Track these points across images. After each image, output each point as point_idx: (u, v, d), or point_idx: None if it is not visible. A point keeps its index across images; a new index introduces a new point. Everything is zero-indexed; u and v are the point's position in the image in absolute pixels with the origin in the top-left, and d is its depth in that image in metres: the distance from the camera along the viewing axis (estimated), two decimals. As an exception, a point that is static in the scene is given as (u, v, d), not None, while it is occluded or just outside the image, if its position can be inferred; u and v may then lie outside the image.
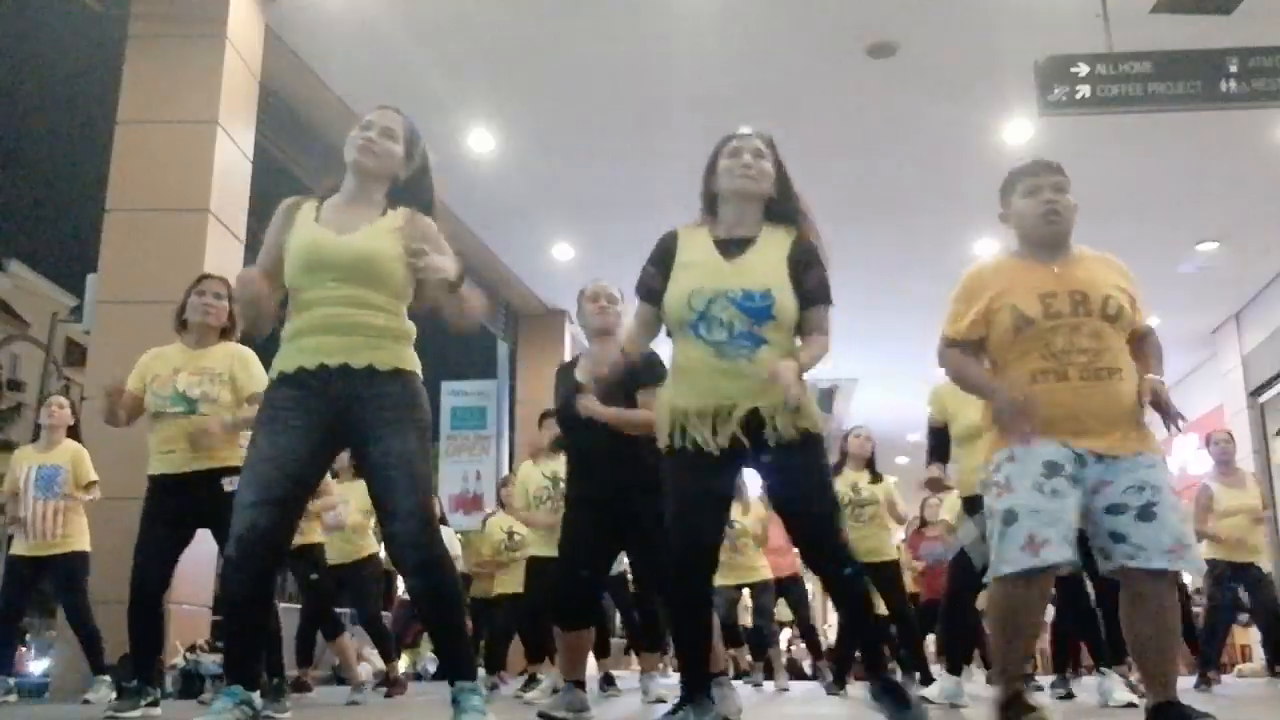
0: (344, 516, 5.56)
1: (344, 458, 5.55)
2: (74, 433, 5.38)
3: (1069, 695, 5.17)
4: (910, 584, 7.07)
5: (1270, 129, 8.03)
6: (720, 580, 7.16)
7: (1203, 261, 10.16)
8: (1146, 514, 2.48)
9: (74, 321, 19.86)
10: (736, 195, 2.74)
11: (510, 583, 6.41)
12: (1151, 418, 2.67)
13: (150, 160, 6.22)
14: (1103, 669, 4.50)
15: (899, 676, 4.24)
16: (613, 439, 3.33)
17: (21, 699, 6.06)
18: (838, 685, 6.10)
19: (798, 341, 2.73)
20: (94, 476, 5.23)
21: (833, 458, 6.71)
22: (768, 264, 2.68)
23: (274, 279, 2.70)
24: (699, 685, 2.66)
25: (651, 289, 2.78)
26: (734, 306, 2.60)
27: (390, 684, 5.94)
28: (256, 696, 2.54)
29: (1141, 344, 2.74)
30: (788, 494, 2.68)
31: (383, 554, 7.16)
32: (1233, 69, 5.96)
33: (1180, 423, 2.64)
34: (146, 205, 6.15)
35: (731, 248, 2.72)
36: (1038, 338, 2.60)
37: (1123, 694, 4.27)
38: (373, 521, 6.32)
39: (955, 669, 4.61)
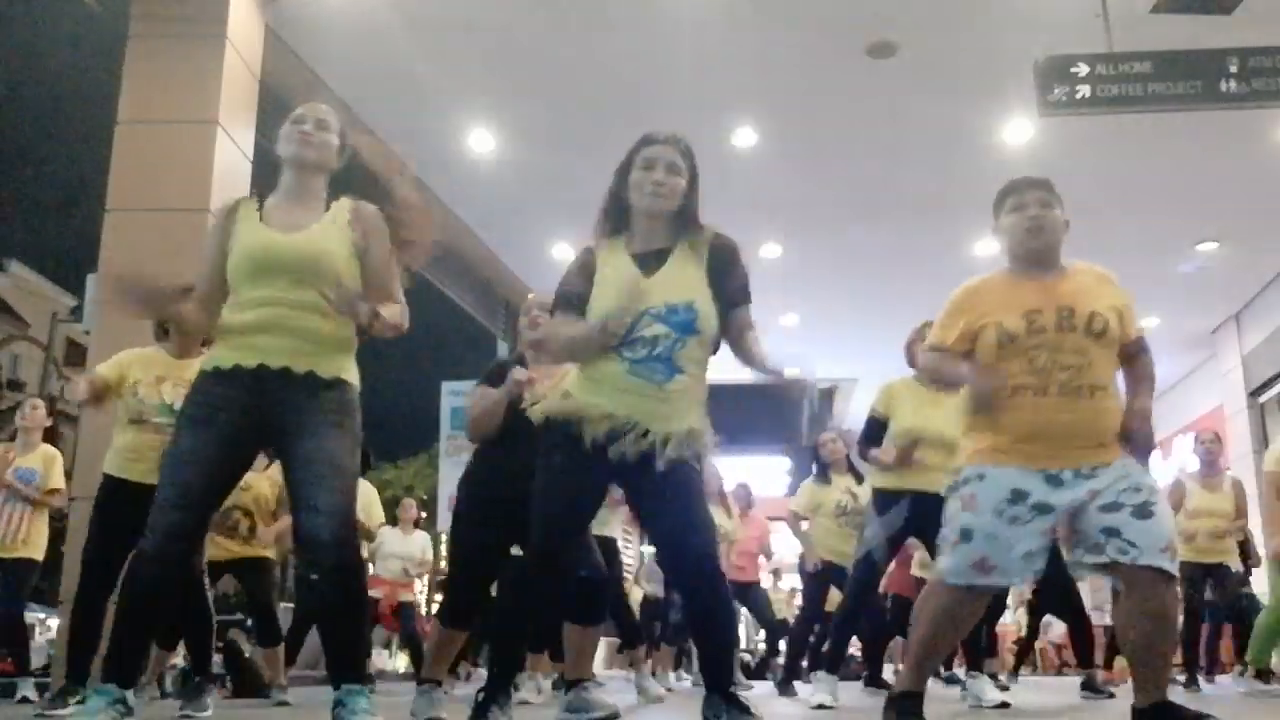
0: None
1: None
2: (50, 436, 5.39)
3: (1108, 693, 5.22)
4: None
5: (1270, 129, 8.03)
6: None
7: (1203, 261, 10.15)
8: (1144, 512, 2.51)
9: (74, 321, 19.86)
10: (647, 213, 2.69)
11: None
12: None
13: (150, 160, 6.21)
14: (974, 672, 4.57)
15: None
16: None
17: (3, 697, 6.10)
18: (786, 686, 6.15)
19: (705, 374, 2.68)
20: (60, 484, 5.25)
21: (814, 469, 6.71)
22: (686, 276, 2.63)
23: (216, 286, 2.70)
24: (506, 682, 2.66)
25: (578, 295, 2.67)
26: (658, 322, 2.55)
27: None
28: (131, 695, 2.51)
29: (1133, 365, 2.77)
30: (661, 513, 2.61)
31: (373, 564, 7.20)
32: (1233, 69, 5.96)
33: (1145, 459, 2.68)
34: (146, 205, 6.14)
35: (649, 261, 2.66)
36: (1021, 353, 2.63)
37: (994, 694, 4.35)
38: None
39: (834, 668, 4.62)
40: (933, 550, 4.43)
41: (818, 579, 6.21)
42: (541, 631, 5.34)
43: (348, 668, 2.56)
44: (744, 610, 7.89)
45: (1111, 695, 5.32)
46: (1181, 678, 6.21)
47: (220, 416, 2.54)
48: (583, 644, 3.58)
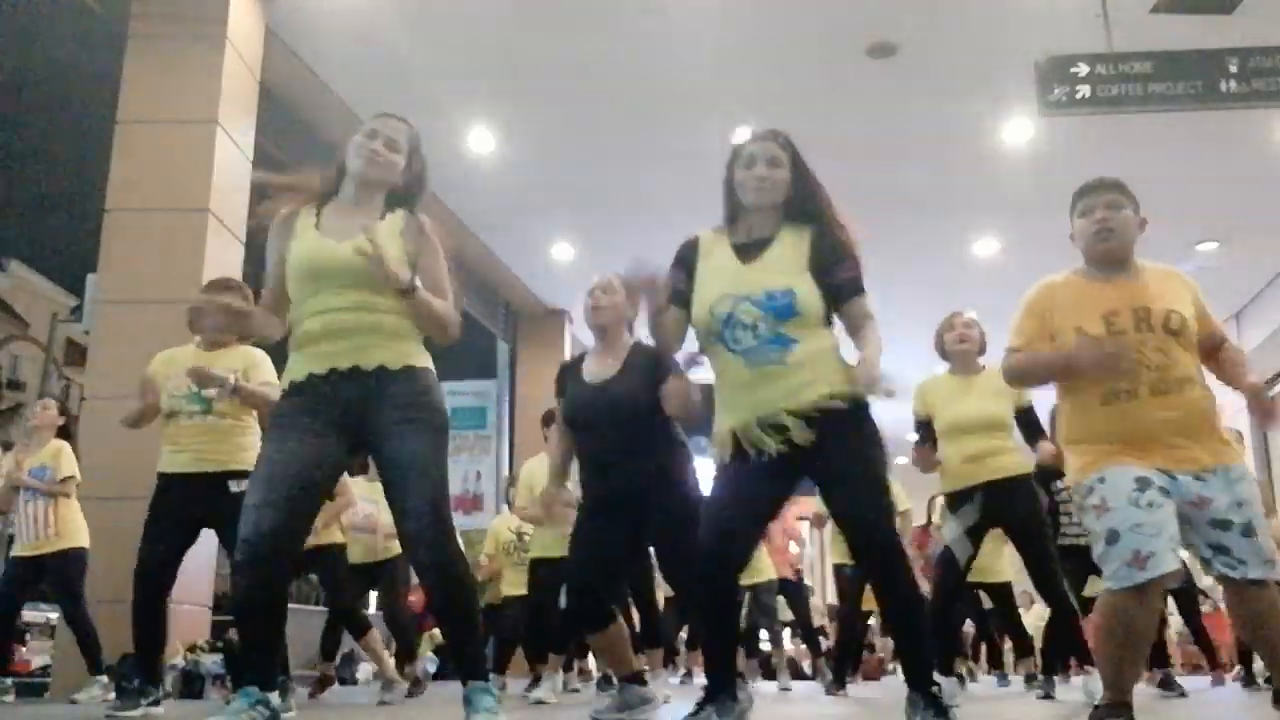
0: (379, 518, 5.57)
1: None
2: (64, 433, 5.39)
3: (1049, 695, 5.18)
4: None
5: (1270, 129, 8.03)
6: None
7: (1203, 261, 10.15)
8: (1249, 530, 2.57)
9: (74, 321, 19.85)
10: (753, 208, 2.73)
11: (518, 584, 6.38)
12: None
13: (150, 160, 6.22)
14: (1087, 668, 4.50)
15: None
16: (624, 439, 3.31)
17: (20, 697, 6.06)
18: (838, 685, 6.11)
19: (828, 334, 2.67)
20: (71, 473, 5.23)
21: None
22: (786, 261, 2.65)
23: (281, 293, 2.72)
24: (723, 685, 2.63)
25: (677, 290, 2.72)
26: (756, 308, 2.56)
27: (411, 683, 5.94)
28: (274, 697, 2.54)
29: (1219, 354, 2.80)
30: (831, 480, 2.59)
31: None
32: (1233, 69, 5.97)
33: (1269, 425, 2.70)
34: (146, 205, 6.15)
35: (750, 250, 2.69)
36: None
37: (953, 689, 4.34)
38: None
39: (947, 669, 4.60)
40: (1017, 539, 4.41)
41: (849, 578, 6.23)
42: (563, 634, 5.37)
43: (470, 664, 2.57)
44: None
45: (1184, 694, 5.30)
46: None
47: (301, 420, 2.56)
48: (613, 642, 3.50)
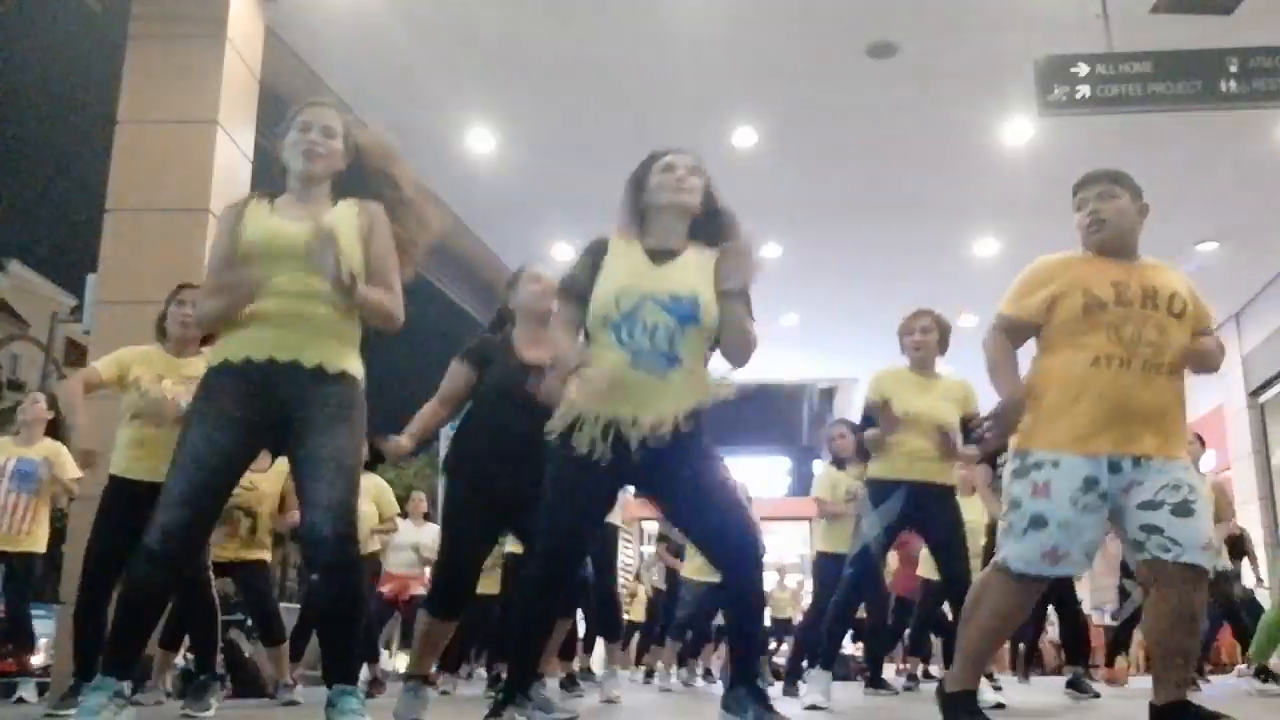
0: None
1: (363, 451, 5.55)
2: (53, 430, 5.39)
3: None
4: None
5: (1270, 129, 8.03)
6: (697, 576, 7.17)
7: (1203, 261, 10.16)
8: (1184, 510, 2.54)
9: (74, 321, 19.83)
10: (669, 209, 2.76)
11: (487, 583, 6.35)
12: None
13: (150, 160, 6.22)
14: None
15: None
16: (534, 429, 3.21)
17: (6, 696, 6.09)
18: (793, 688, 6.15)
19: (705, 365, 2.72)
20: (77, 474, 5.24)
21: (827, 458, 6.73)
22: (693, 270, 2.69)
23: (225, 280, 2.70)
24: (526, 685, 2.67)
25: (578, 281, 2.75)
26: (661, 310, 2.59)
27: (370, 684, 5.92)
28: (128, 686, 2.53)
29: (1200, 338, 2.82)
30: (684, 489, 2.64)
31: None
32: (1233, 69, 5.96)
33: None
34: (146, 205, 6.15)
35: (659, 256, 2.73)
36: (1108, 322, 2.65)
37: (990, 695, 4.30)
38: (374, 521, 6.32)
39: (827, 664, 4.58)
40: (935, 541, 4.43)
41: (828, 574, 6.21)
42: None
43: (340, 667, 2.56)
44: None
45: (1097, 695, 5.33)
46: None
47: (229, 412, 2.55)
48: (551, 638, 3.52)
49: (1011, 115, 7.88)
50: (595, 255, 2.78)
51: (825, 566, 6.13)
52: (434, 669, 5.93)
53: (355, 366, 2.69)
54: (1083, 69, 6.06)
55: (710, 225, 2.79)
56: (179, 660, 5.75)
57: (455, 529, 3.39)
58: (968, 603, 2.72)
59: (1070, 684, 5.41)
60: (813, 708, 4.25)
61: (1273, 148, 8.26)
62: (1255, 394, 12.03)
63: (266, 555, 5.30)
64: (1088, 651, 5.90)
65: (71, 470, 5.23)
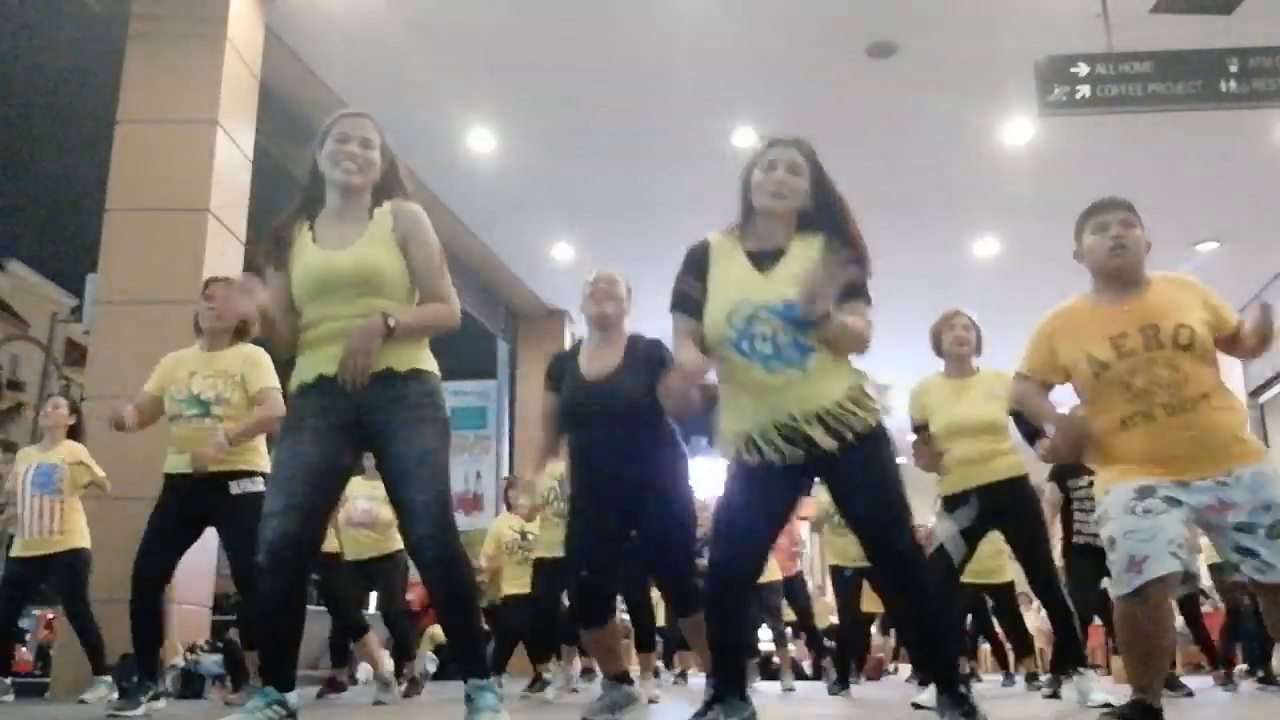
0: (376, 513, 5.59)
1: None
2: (74, 433, 5.39)
3: (1055, 695, 5.18)
4: None
5: (1270, 129, 8.03)
6: None
7: (1203, 261, 10.16)
8: (1276, 532, 2.56)
9: (74, 321, 19.83)
10: (765, 213, 2.70)
11: (520, 584, 6.38)
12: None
13: (150, 160, 6.22)
14: (1080, 669, 4.49)
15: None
16: (615, 433, 3.30)
17: (20, 698, 6.06)
18: (841, 685, 6.11)
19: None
20: (100, 473, 5.23)
21: None
22: (801, 271, 2.61)
23: (288, 305, 2.71)
24: (731, 686, 2.63)
25: (688, 297, 2.68)
26: (775, 318, 2.55)
27: (409, 683, 5.94)
28: (291, 697, 2.56)
29: (1238, 336, 2.78)
30: (849, 494, 2.62)
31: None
32: (1233, 69, 5.96)
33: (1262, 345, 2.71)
34: (146, 205, 6.15)
35: (764, 259, 2.66)
36: (1116, 380, 2.66)
37: (1100, 694, 4.26)
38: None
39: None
40: (1015, 541, 4.40)
41: (846, 580, 6.23)
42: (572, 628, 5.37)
43: (469, 661, 2.58)
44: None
45: (1190, 693, 5.29)
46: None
47: (310, 422, 2.58)
48: (599, 644, 3.50)
49: (1011, 115, 7.89)
50: (699, 264, 2.71)
51: (841, 580, 6.19)
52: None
53: (425, 363, 2.70)
54: (1083, 69, 6.06)
55: (821, 215, 2.72)
56: (179, 660, 5.77)
57: (572, 546, 3.44)
58: (1116, 632, 2.74)
59: (1165, 684, 5.39)
60: (916, 706, 4.20)
61: (1273, 148, 8.26)
62: (1255, 394, 12.03)
63: (331, 546, 5.38)
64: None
65: (97, 469, 5.22)
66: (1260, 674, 6.53)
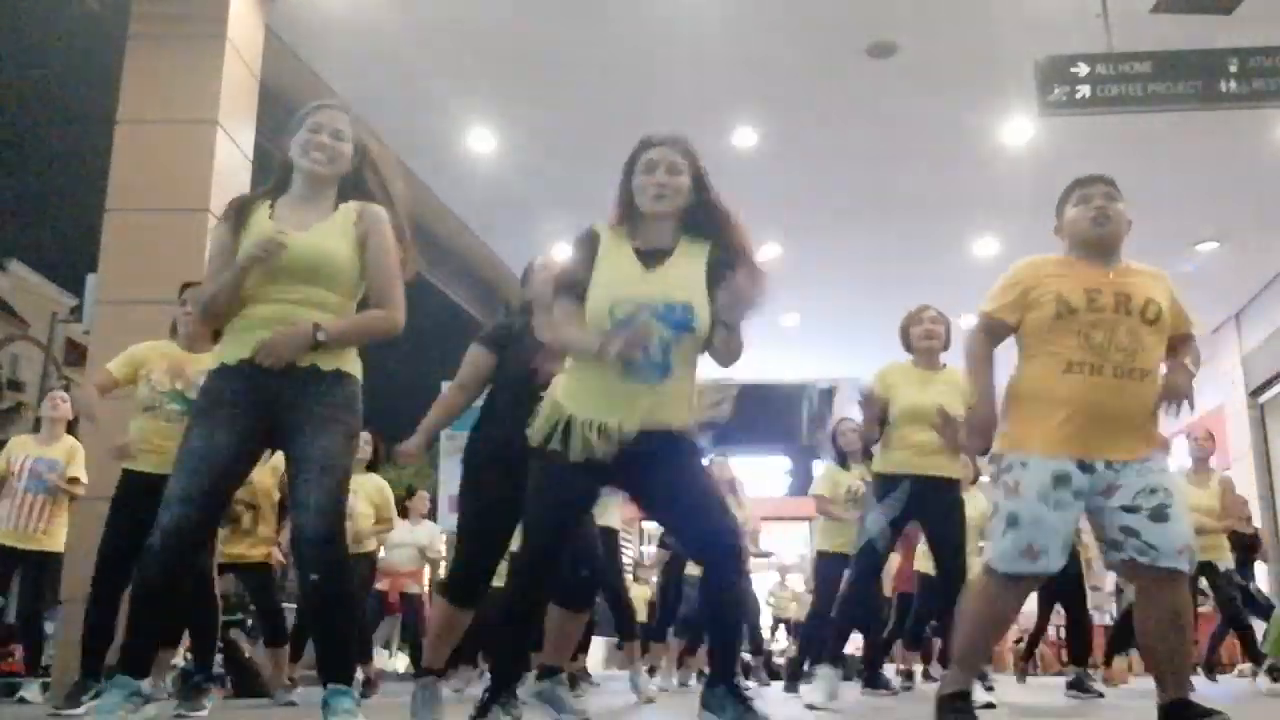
0: (351, 506, 5.58)
1: (365, 450, 5.60)
2: (70, 429, 5.40)
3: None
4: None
5: (1270, 129, 8.03)
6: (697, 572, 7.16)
7: (1202, 261, 10.16)
8: (1159, 515, 2.57)
9: (74, 321, 19.84)
10: (650, 214, 2.70)
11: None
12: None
13: (150, 160, 6.21)
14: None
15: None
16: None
17: (7, 696, 6.08)
18: (791, 685, 6.15)
19: (693, 373, 2.70)
20: (80, 474, 5.25)
21: (831, 457, 6.73)
22: (686, 276, 2.63)
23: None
24: (510, 681, 2.70)
25: (579, 280, 2.67)
26: (655, 319, 2.54)
27: (364, 684, 5.92)
28: (145, 684, 2.56)
29: (1179, 346, 2.85)
30: (664, 494, 2.64)
31: (383, 553, 7.20)
32: (1233, 69, 5.96)
33: (1177, 412, 2.74)
34: (146, 205, 6.14)
35: (650, 258, 2.67)
36: (1077, 330, 2.69)
37: (981, 695, 4.26)
38: (372, 521, 6.32)
39: (836, 660, 4.58)
40: (934, 536, 4.43)
41: (830, 573, 6.21)
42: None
43: (334, 666, 2.57)
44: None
45: (1100, 695, 5.32)
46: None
47: (228, 411, 2.58)
48: (564, 629, 3.48)
49: (1011, 115, 7.89)
50: (589, 249, 2.72)
51: (826, 566, 6.13)
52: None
53: (351, 365, 2.70)
54: (1083, 69, 6.06)
55: (704, 216, 2.72)
56: (178, 660, 5.76)
57: (480, 516, 3.35)
58: (961, 604, 2.74)
59: (1072, 684, 5.40)
60: (810, 707, 4.24)
61: (1273, 148, 8.26)
62: (1255, 394, 12.03)
63: (270, 554, 5.32)
64: (1089, 652, 5.88)
65: (76, 469, 5.23)
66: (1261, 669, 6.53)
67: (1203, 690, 5.98)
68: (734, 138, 8.18)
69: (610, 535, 5.45)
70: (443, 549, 7.85)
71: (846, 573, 4.61)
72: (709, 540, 2.58)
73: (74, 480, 5.27)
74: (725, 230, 2.70)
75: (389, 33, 7.04)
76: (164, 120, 6.28)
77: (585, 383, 2.60)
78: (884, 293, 10.47)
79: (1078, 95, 6.05)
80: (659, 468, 2.57)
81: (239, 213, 2.74)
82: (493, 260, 11.01)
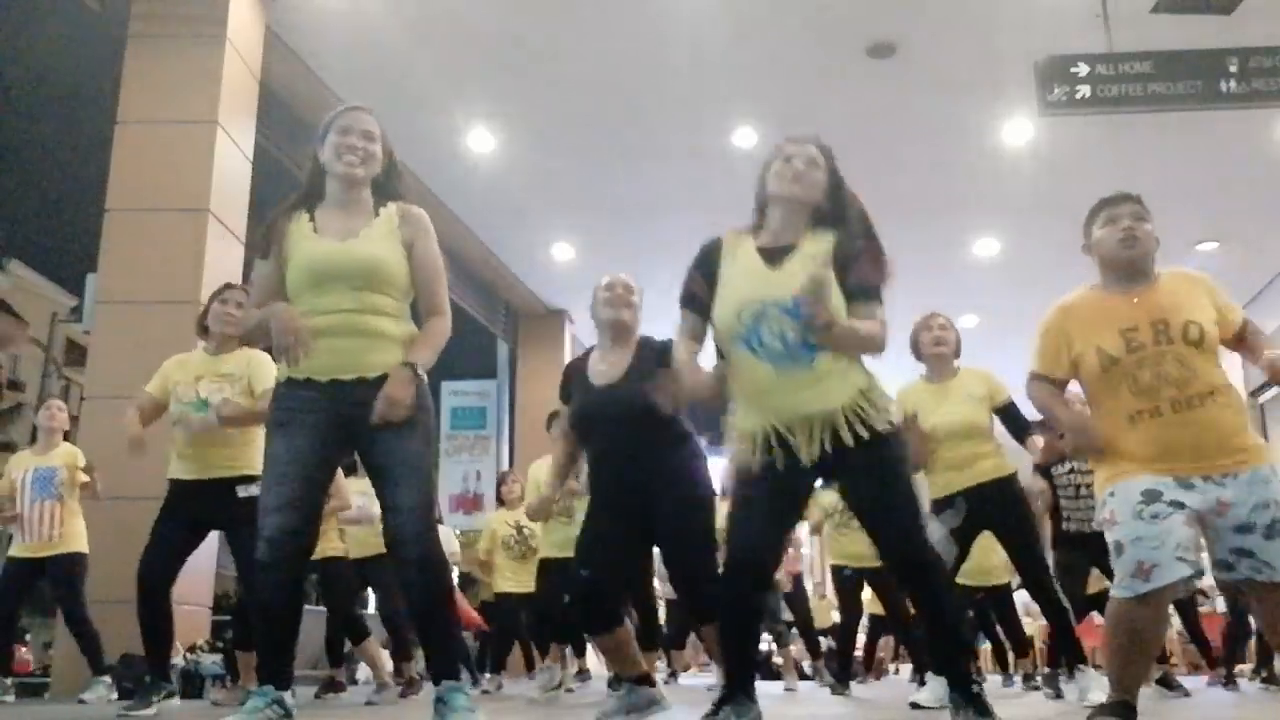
0: (371, 509, 5.59)
1: None
2: (68, 436, 5.40)
3: (1058, 694, 5.17)
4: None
5: (1270, 129, 8.03)
6: None
7: (1202, 261, 10.16)
8: (1273, 531, 2.56)
9: (74, 321, 19.85)
10: (782, 201, 2.69)
11: (515, 582, 6.36)
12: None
13: (150, 160, 6.22)
14: (1080, 667, 4.47)
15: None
16: (634, 439, 3.27)
17: (20, 698, 6.07)
18: (842, 685, 6.11)
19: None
20: (88, 479, 5.23)
21: None
22: (811, 267, 2.57)
23: (280, 297, 2.71)
24: (741, 685, 2.63)
25: (696, 295, 2.69)
26: (785, 315, 2.52)
27: (406, 683, 5.93)
28: (288, 696, 2.57)
29: (1244, 336, 2.80)
30: (862, 496, 2.63)
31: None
32: (1233, 69, 5.96)
33: None
34: (146, 205, 6.15)
35: (775, 255, 2.65)
36: (1124, 374, 2.66)
37: (1099, 693, 4.24)
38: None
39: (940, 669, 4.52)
40: (1005, 541, 4.38)
41: (846, 580, 6.23)
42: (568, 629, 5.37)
43: (444, 664, 2.59)
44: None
45: (1188, 694, 5.28)
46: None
47: (301, 418, 2.59)
48: (621, 643, 3.42)
49: (1011, 115, 7.89)
50: (709, 261, 2.71)
51: (837, 577, 6.20)
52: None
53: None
54: (1083, 69, 6.06)
55: (836, 215, 2.72)
56: (178, 660, 5.77)
57: (586, 550, 3.37)
58: (1105, 628, 2.73)
59: (1161, 682, 5.37)
60: (915, 705, 4.17)
61: (1273, 148, 8.26)
62: (1255, 394, 12.02)
63: (336, 548, 5.45)
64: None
65: (82, 462, 5.22)
66: (1264, 674, 6.53)
67: (1200, 692, 5.99)
68: (734, 138, 8.18)
69: None
70: (457, 549, 7.84)
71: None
72: (891, 547, 2.59)
73: (87, 469, 5.25)
74: (857, 221, 2.70)
75: (389, 33, 7.04)
76: (164, 120, 6.29)
77: (746, 393, 2.61)
78: (884, 292, 10.47)
79: (1078, 95, 6.05)
80: (860, 460, 2.54)
81: (271, 235, 2.72)
82: (493, 260, 11.01)
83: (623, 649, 3.43)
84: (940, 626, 2.63)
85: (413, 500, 2.56)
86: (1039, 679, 6.25)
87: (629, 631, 3.50)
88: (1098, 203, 2.90)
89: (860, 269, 2.62)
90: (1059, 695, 5.08)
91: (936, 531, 4.30)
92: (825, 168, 2.72)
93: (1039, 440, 4.33)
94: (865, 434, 2.51)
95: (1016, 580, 5.88)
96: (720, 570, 2.71)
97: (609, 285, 3.51)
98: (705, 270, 2.69)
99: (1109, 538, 2.64)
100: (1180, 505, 2.57)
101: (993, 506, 4.27)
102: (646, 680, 3.46)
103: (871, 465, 2.54)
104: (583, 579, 3.35)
